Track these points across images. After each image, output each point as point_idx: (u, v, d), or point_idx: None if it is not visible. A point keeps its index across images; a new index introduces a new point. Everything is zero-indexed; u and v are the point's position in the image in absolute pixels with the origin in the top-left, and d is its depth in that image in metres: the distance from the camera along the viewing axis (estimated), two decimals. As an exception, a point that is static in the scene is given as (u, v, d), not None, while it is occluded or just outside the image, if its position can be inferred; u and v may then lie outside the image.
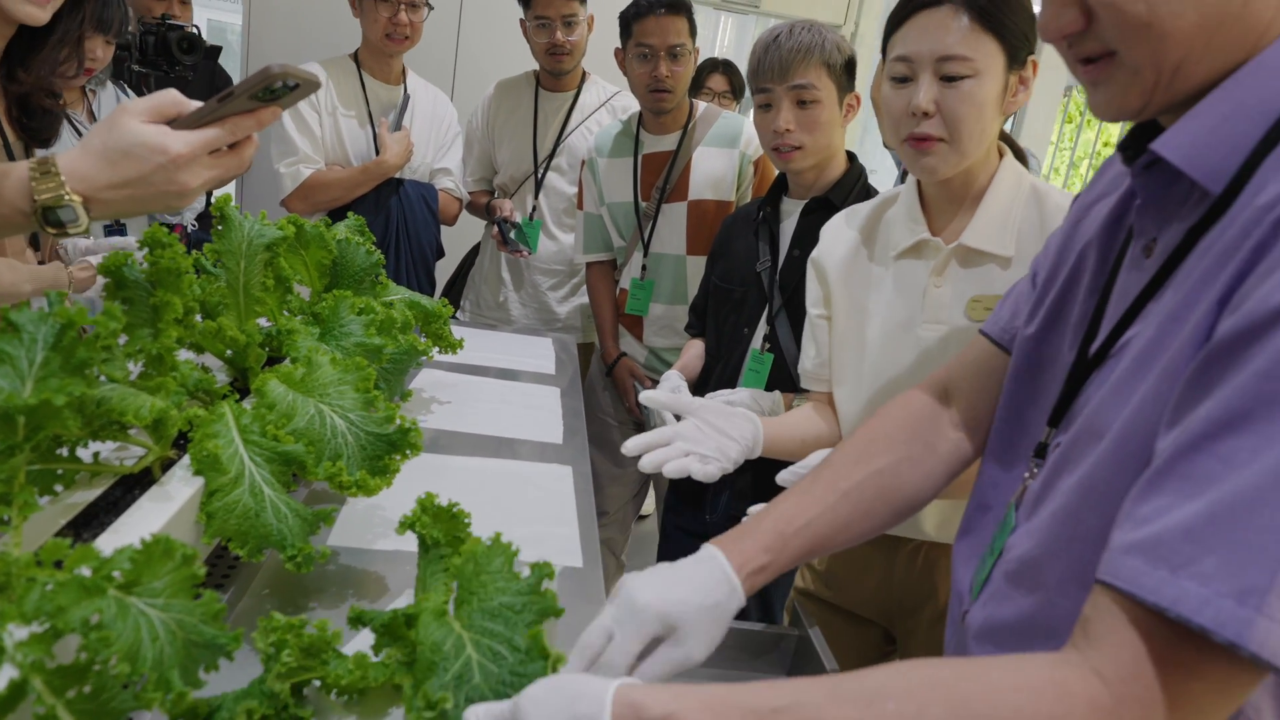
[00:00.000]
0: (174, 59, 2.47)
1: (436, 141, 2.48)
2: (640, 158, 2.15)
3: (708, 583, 0.77)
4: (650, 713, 0.56)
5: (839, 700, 0.57)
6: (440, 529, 0.84)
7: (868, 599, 1.36)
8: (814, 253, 1.36)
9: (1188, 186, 0.64)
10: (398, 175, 2.36)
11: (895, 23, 1.13)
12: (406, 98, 2.40)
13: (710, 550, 0.81)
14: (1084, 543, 0.66)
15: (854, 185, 1.66)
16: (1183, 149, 0.62)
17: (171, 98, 0.79)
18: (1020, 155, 1.26)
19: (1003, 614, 0.76)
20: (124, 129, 0.75)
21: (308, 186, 2.29)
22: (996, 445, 0.87)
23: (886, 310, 1.23)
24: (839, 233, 1.34)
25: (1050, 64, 3.41)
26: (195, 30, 2.52)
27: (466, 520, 0.87)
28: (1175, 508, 0.53)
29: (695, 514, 1.82)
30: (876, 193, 1.47)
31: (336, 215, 2.32)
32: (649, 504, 2.77)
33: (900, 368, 1.22)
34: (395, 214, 2.35)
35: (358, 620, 0.81)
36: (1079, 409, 0.72)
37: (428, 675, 0.66)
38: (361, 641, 0.87)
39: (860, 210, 1.34)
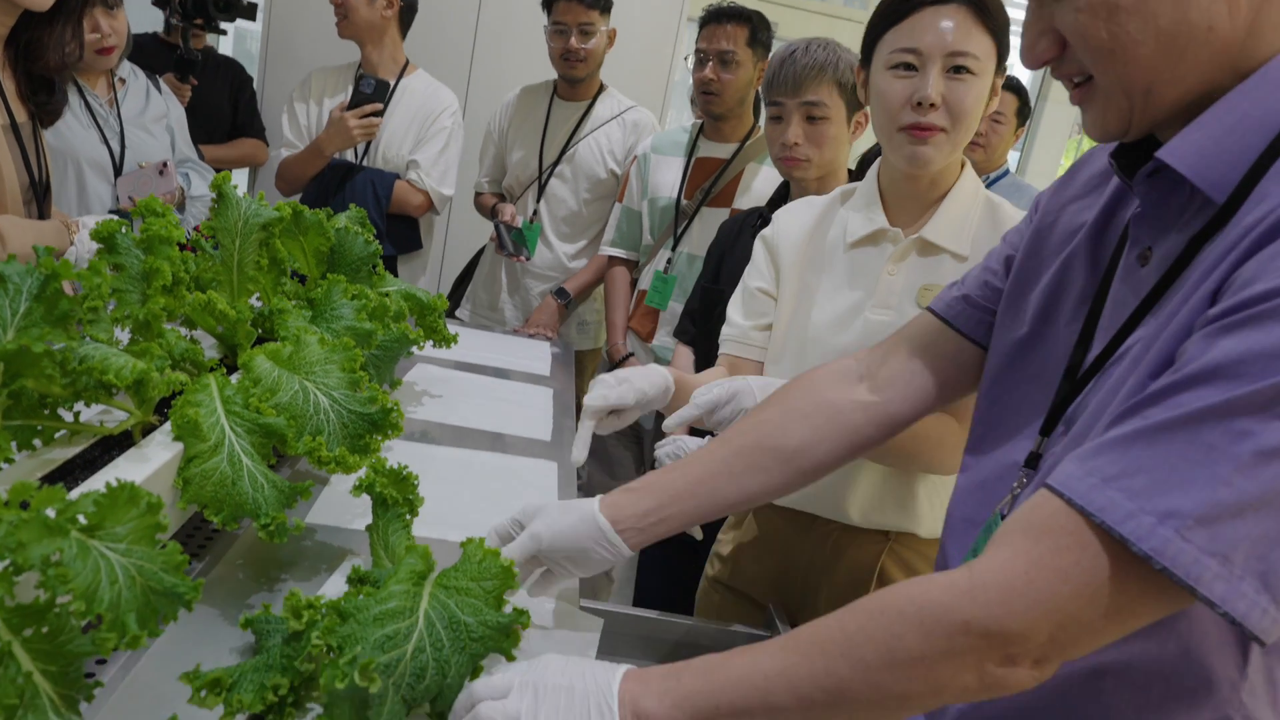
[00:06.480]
0: (210, 16, 2.56)
1: (417, 134, 2.50)
2: (694, 159, 2.18)
3: (576, 519, 0.90)
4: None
5: (794, 685, 0.63)
6: (397, 489, 0.85)
7: (768, 580, 1.36)
8: (766, 232, 1.39)
9: (1188, 196, 0.66)
10: (369, 164, 2.43)
11: (896, 16, 1.15)
12: (371, 82, 2.39)
13: (590, 503, 0.92)
14: None
15: None
16: (1188, 158, 0.64)
17: None
18: None
19: None
20: None
21: (281, 167, 2.45)
22: (976, 456, 0.88)
23: (835, 295, 1.26)
24: (795, 218, 1.37)
25: (1058, 98, 3.41)
26: None
27: (415, 482, 0.90)
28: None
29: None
30: None
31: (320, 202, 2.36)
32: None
33: (841, 350, 1.23)
34: (336, 200, 2.39)
35: (358, 581, 0.82)
36: (1073, 417, 0.73)
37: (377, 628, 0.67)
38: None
39: (817, 201, 1.37)
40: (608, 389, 1.13)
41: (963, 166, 1.24)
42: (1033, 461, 0.78)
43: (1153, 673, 0.69)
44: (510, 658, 0.78)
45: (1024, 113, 2.95)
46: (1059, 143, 3.79)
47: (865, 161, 1.68)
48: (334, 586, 0.94)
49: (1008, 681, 0.61)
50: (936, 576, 0.65)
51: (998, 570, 0.61)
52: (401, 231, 2.48)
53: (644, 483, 0.95)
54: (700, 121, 2.23)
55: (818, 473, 0.98)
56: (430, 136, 2.50)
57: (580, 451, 1.10)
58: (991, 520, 0.80)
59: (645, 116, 2.50)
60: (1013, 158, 3.42)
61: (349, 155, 2.46)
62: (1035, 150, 3.62)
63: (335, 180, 2.41)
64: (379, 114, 2.36)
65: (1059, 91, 3.73)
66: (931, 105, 1.12)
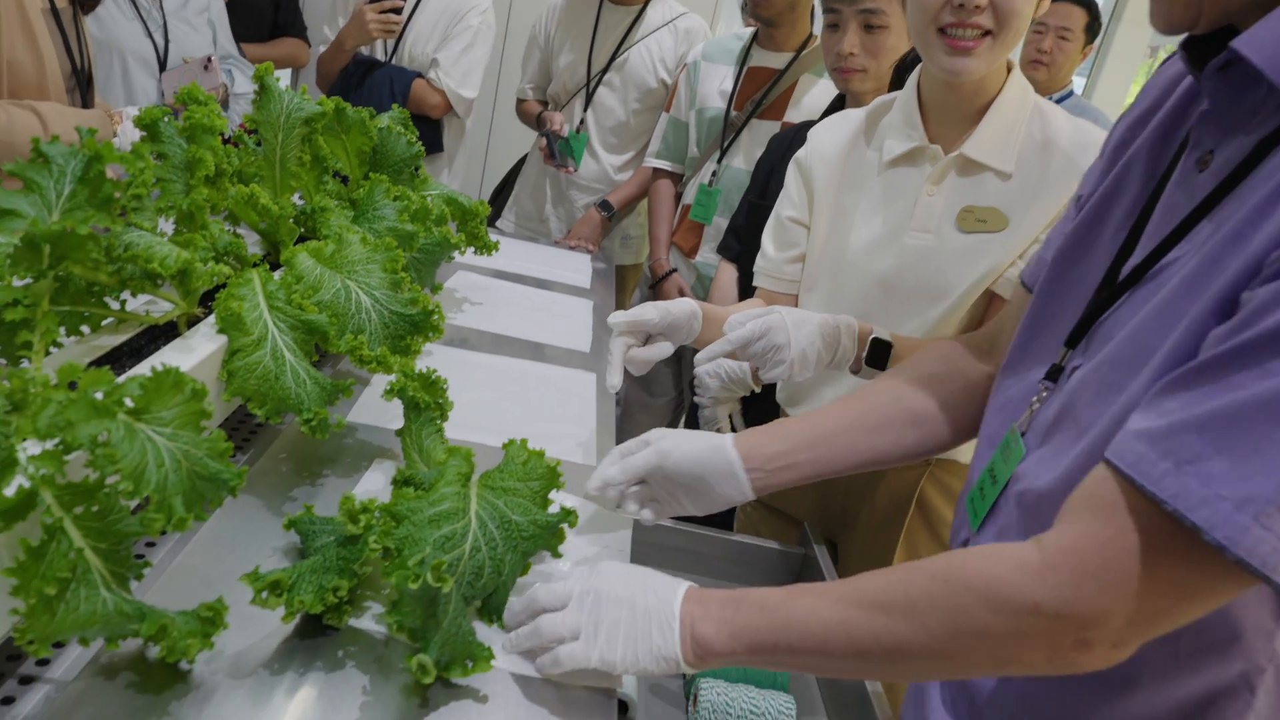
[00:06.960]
0: None
1: (442, 33, 2.44)
2: (746, 69, 2.10)
3: (705, 446, 0.88)
4: (714, 648, 0.67)
5: (852, 638, 0.65)
6: (428, 393, 0.85)
7: (808, 502, 1.36)
8: (800, 154, 1.32)
9: (1263, 94, 0.59)
10: (396, 63, 2.42)
11: None
12: None
13: (724, 436, 0.89)
14: None
15: None
16: (1266, 49, 0.56)
17: None
18: None
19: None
20: None
21: (317, 63, 2.49)
22: (1006, 376, 0.83)
23: (872, 217, 1.21)
24: (831, 135, 1.30)
25: (1134, 17, 3.17)
26: None
27: (445, 386, 0.90)
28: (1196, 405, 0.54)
29: None
30: None
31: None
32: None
33: (878, 276, 1.19)
34: (355, 96, 2.37)
35: (405, 483, 0.83)
36: (1106, 332, 0.68)
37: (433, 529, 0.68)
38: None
39: (853, 115, 1.30)
40: (632, 309, 1.12)
41: (1009, 71, 1.16)
42: (1054, 374, 0.73)
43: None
44: (556, 554, 0.79)
45: (1093, 29, 2.79)
46: (1131, 66, 3.59)
47: (902, 69, 1.57)
48: (372, 483, 0.96)
49: (1080, 662, 0.59)
50: (1005, 550, 0.62)
51: (1068, 552, 0.58)
52: (420, 132, 2.47)
53: (775, 426, 0.93)
54: (755, 29, 2.14)
55: (948, 441, 0.95)
56: (454, 35, 2.44)
57: (614, 376, 1.07)
58: (1009, 436, 0.76)
59: (698, 23, 2.40)
60: (1078, 83, 3.24)
61: (377, 53, 2.44)
62: (1105, 73, 3.43)
63: (357, 76, 2.41)
64: (399, 11, 2.33)
65: (1135, 10, 3.48)
66: (976, 6, 1.04)
